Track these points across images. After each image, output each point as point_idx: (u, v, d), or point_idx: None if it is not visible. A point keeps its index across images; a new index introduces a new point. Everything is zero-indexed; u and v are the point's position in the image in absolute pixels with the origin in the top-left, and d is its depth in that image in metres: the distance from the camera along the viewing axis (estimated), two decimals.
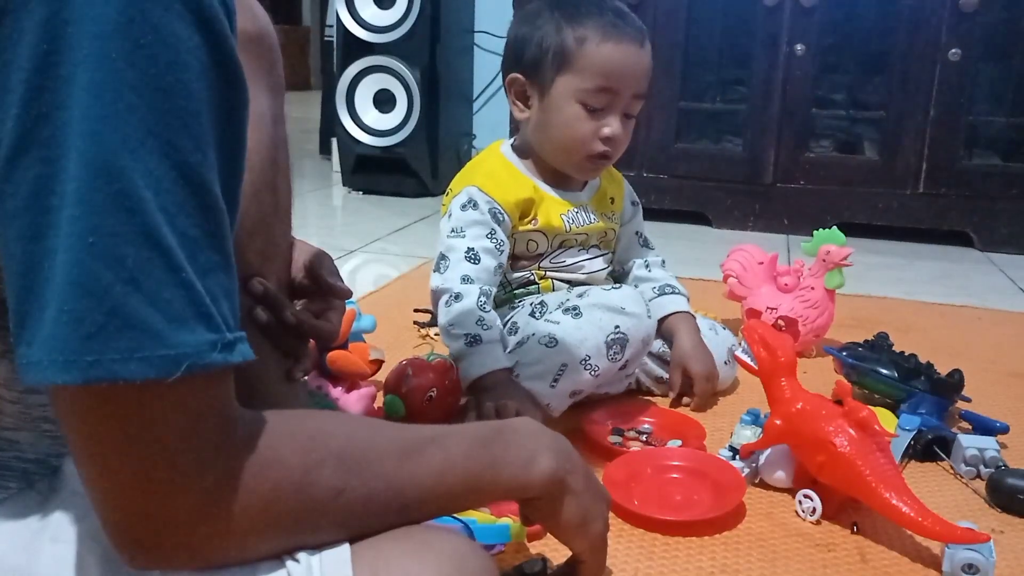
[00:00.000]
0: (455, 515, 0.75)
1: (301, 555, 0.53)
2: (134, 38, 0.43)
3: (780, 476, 1.03)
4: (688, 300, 1.34)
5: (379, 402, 1.17)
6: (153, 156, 0.44)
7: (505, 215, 1.21)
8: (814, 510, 0.97)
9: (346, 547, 0.54)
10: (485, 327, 1.13)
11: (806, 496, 0.98)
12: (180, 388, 0.45)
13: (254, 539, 0.51)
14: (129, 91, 0.43)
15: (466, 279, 1.16)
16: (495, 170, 1.25)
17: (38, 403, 0.55)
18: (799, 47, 2.42)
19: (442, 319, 1.16)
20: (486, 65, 3.01)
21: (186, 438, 0.46)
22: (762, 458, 1.04)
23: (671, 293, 1.33)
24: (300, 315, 0.80)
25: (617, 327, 1.13)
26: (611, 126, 1.19)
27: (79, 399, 0.45)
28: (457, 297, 1.15)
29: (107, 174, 0.43)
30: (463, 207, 1.21)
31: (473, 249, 1.18)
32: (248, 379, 0.85)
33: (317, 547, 0.53)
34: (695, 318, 1.32)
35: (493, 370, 1.11)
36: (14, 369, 0.48)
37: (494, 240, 1.20)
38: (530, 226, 1.23)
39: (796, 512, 0.99)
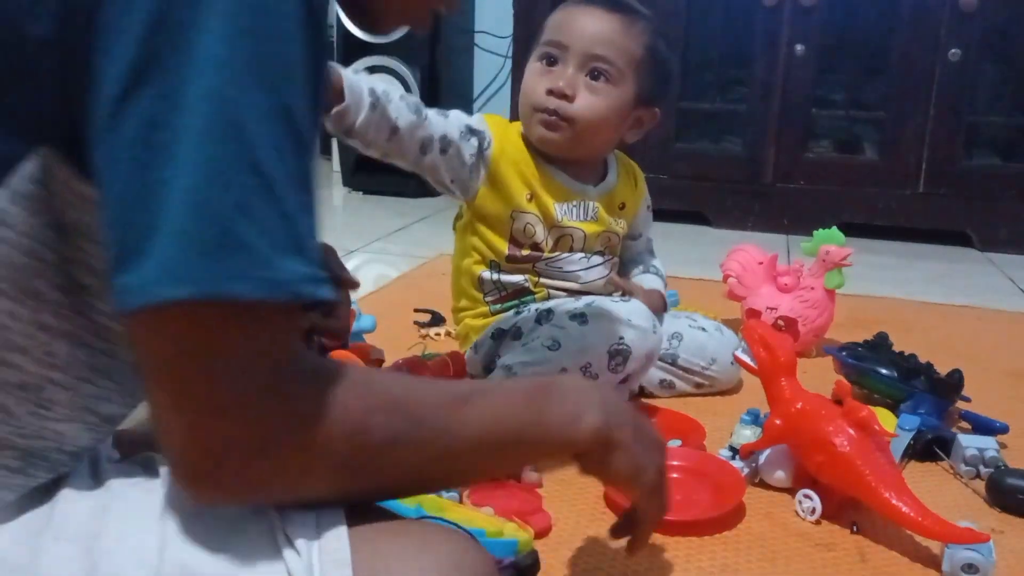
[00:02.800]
0: (464, 527, 0.76)
1: (300, 543, 0.53)
2: None
3: (780, 476, 1.03)
4: (665, 285, 1.35)
5: None
6: (262, 96, 0.47)
7: (490, 147, 1.20)
8: (814, 510, 0.97)
9: (346, 544, 0.54)
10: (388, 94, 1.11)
11: (806, 496, 0.98)
12: (274, 313, 0.48)
13: (309, 480, 0.53)
14: (242, 35, 0.46)
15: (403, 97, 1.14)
16: (510, 133, 1.25)
17: (91, 393, 0.57)
18: (799, 47, 2.42)
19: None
20: (486, 65, 3.01)
21: (260, 363, 0.49)
22: (762, 458, 1.04)
23: (653, 274, 1.36)
24: (311, 317, 0.83)
25: (621, 338, 1.12)
26: (557, 75, 1.19)
27: (175, 318, 0.47)
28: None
29: (224, 107, 0.46)
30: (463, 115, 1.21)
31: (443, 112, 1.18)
32: None
33: (368, 496, 0.57)
34: (664, 298, 1.33)
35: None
36: (73, 352, 0.51)
37: (463, 139, 1.18)
38: (527, 202, 1.21)
39: (796, 512, 0.99)
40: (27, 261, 0.52)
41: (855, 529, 0.96)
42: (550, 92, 1.18)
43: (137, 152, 0.46)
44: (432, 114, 1.16)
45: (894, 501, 0.90)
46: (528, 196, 1.21)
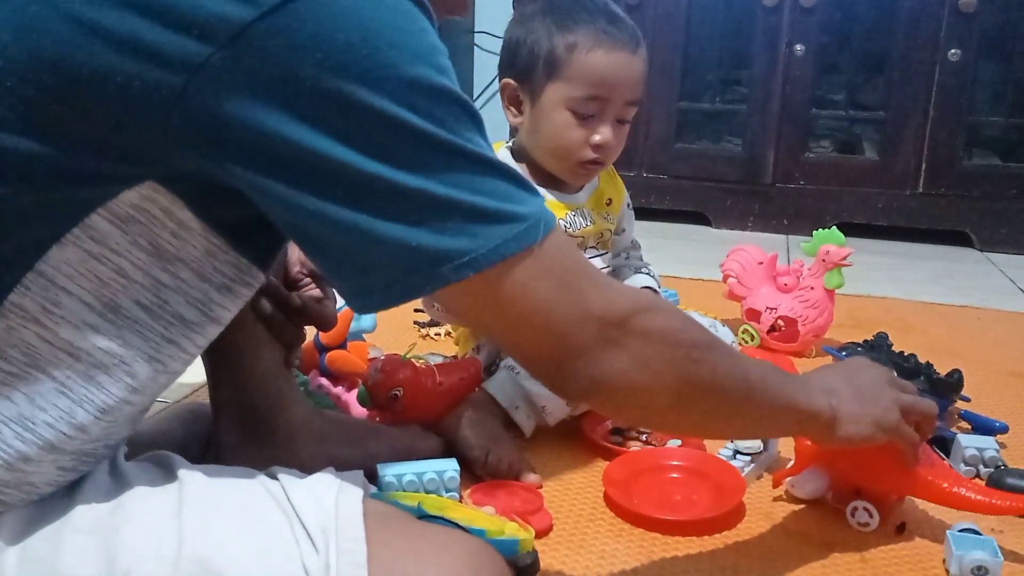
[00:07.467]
0: (465, 526, 0.76)
1: (319, 542, 0.54)
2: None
3: (813, 489, 0.99)
4: (659, 284, 1.36)
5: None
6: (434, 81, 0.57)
7: None
8: (868, 524, 0.95)
9: (363, 546, 0.55)
10: None
11: (865, 509, 0.95)
12: (547, 245, 0.58)
13: (646, 379, 0.62)
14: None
15: None
16: None
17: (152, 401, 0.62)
18: (799, 47, 2.42)
19: None
20: (486, 65, 3.01)
21: (569, 277, 0.59)
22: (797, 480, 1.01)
23: (645, 273, 1.36)
24: (304, 298, 0.87)
25: None
26: (602, 134, 1.18)
27: (484, 284, 0.56)
28: None
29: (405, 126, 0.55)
30: None
31: None
32: (247, 367, 0.89)
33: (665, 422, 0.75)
34: (658, 294, 1.33)
35: None
36: (156, 378, 0.57)
37: None
38: None
39: (848, 523, 0.96)
40: (113, 276, 0.54)
41: (903, 529, 0.95)
42: (597, 147, 1.19)
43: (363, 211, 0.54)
44: None
45: (954, 489, 0.89)
46: None
